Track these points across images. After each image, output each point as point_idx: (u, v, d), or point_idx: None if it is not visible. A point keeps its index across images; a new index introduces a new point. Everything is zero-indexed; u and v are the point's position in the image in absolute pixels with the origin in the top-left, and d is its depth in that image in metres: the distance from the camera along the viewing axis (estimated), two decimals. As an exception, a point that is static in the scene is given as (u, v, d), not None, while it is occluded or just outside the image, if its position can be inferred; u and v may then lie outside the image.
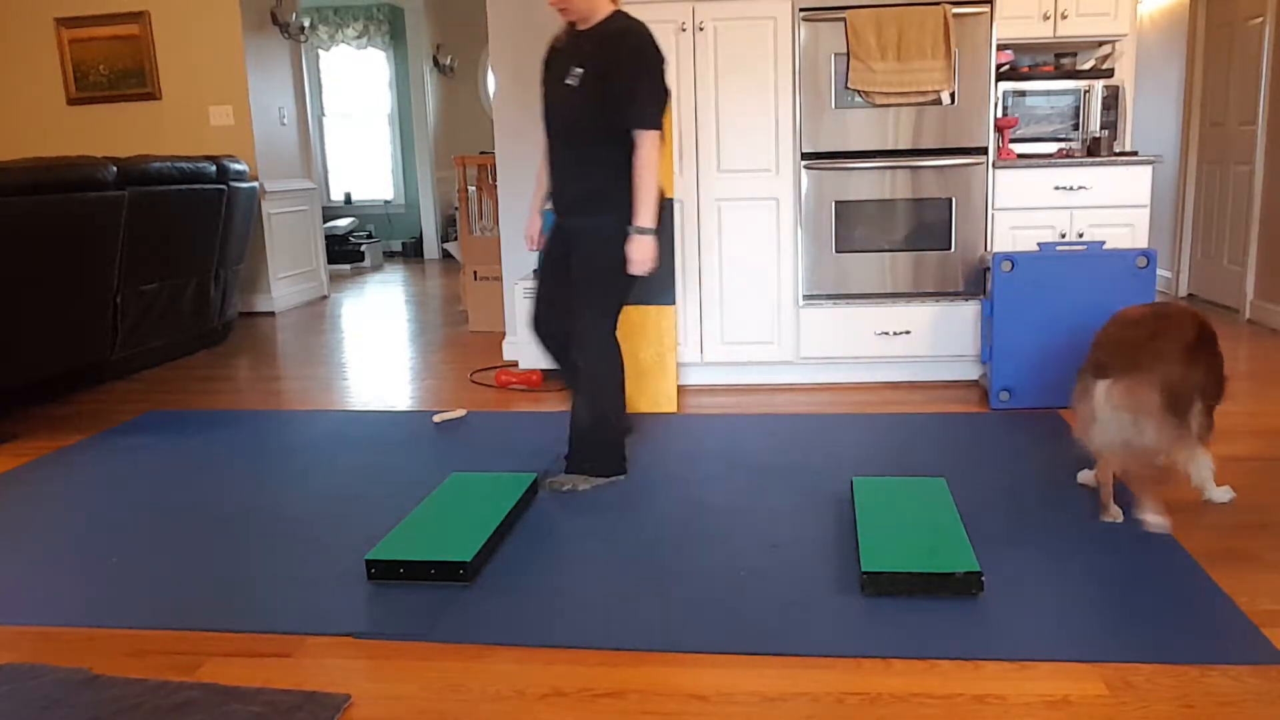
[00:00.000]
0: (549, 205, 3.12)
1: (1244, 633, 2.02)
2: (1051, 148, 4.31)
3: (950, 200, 4.01)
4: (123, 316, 4.55)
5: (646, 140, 2.81)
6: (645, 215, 2.82)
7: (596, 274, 2.94)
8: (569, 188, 2.98)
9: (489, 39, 4.40)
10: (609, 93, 2.80)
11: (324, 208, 8.09)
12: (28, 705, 1.89)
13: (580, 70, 2.82)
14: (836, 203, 4.04)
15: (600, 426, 3.01)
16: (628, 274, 2.89)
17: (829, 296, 4.12)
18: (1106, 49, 4.47)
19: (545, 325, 3.17)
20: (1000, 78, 4.16)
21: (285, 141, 6.82)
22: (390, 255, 10.12)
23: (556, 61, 2.96)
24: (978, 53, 3.91)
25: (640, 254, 2.85)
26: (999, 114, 4.19)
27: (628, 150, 2.84)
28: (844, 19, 3.88)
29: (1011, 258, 3.66)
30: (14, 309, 3.89)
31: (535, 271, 3.25)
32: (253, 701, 1.87)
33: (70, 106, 6.49)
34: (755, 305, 4.15)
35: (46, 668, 2.03)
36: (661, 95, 2.87)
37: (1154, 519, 2.56)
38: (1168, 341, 2.54)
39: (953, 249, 4.04)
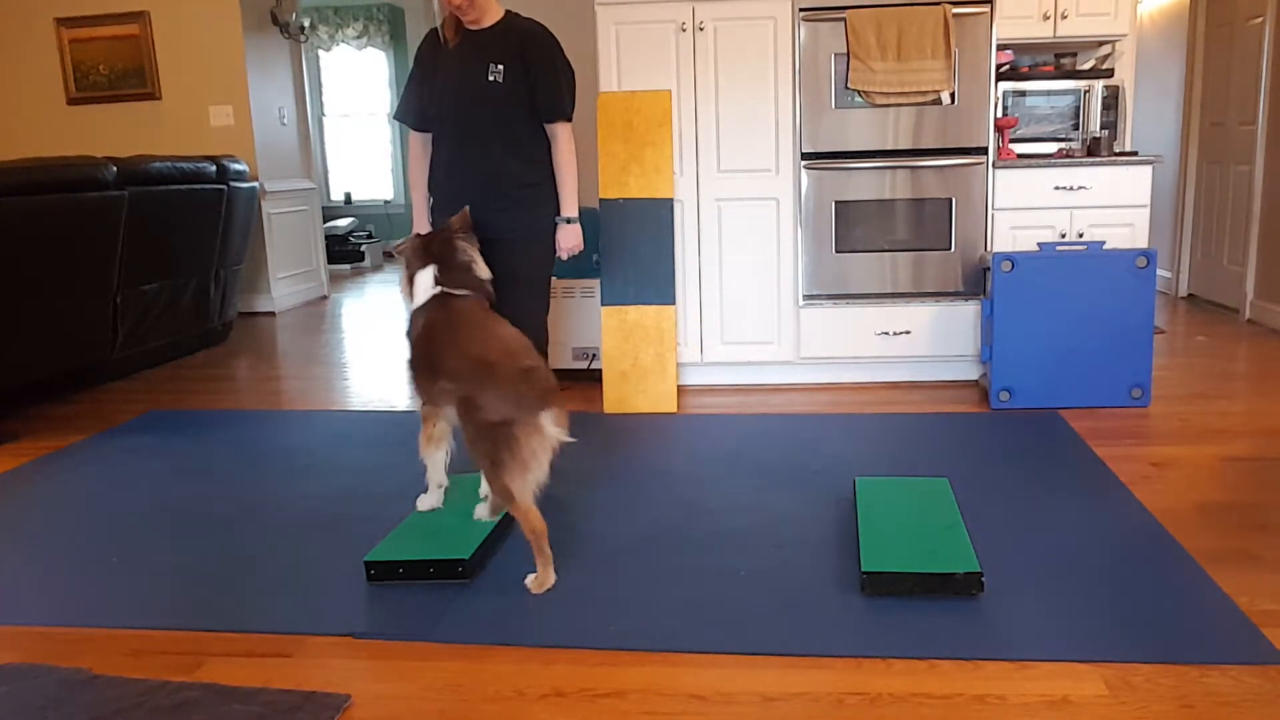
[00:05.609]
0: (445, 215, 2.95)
1: (1244, 633, 2.02)
2: (1051, 148, 4.31)
3: (950, 200, 4.00)
4: (123, 316, 4.55)
5: (568, 131, 2.89)
6: (572, 205, 2.93)
7: (543, 269, 2.95)
8: (492, 185, 2.88)
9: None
10: (535, 87, 2.82)
11: (324, 208, 8.08)
12: (28, 705, 1.89)
13: (501, 67, 2.80)
14: (836, 203, 4.04)
15: None
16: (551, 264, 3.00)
17: (829, 296, 4.12)
18: (1106, 49, 4.46)
19: None
20: (1000, 78, 4.16)
21: (285, 141, 6.81)
22: (390, 255, 10.11)
23: (454, 60, 2.85)
24: (978, 53, 3.90)
25: (574, 241, 2.95)
26: (999, 114, 4.19)
27: (545, 144, 2.91)
28: (844, 19, 3.88)
29: (1011, 258, 3.66)
30: (14, 309, 3.89)
31: None
32: (253, 701, 1.87)
33: (70, 106, 6.48)
34: (755, 305, 4.14)
35: (46, 668, 2.02)
36: (574, 88, 2.93)
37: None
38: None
39: (953, 249, 4.04)
